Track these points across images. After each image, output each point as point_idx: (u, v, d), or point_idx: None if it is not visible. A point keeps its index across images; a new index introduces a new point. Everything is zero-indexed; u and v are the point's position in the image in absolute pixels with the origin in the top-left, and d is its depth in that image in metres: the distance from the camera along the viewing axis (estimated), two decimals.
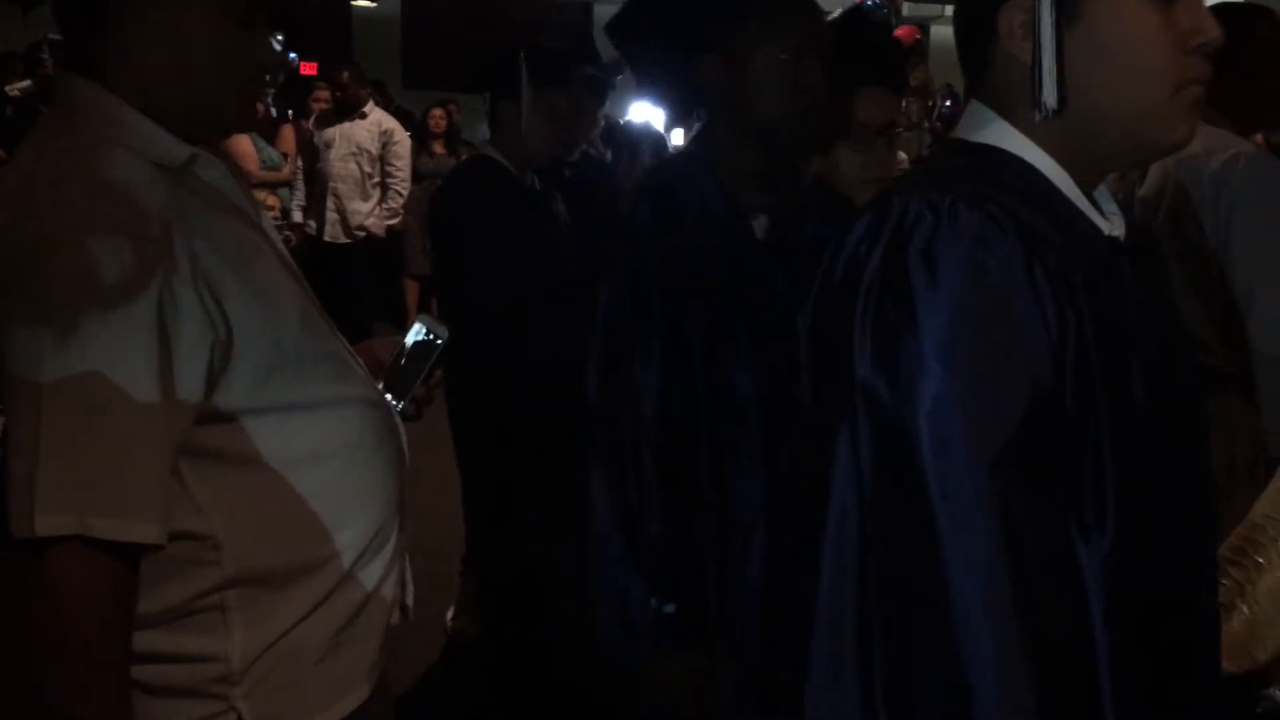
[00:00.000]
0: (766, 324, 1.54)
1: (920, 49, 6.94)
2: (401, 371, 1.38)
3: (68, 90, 1.15)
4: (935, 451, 0.82)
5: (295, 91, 7.62)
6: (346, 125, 6.30)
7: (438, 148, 7.07)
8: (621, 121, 3.63)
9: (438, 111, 7.16)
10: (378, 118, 6.43)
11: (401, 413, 1.34)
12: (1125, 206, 1.07)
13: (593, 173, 3.52)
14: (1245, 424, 2.21)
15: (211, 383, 1.08)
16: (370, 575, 1.22)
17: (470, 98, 3.99)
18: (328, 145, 6.31)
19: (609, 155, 4.44)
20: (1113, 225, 0.98)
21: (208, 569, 1.11)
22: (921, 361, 0.83)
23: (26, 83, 6.08)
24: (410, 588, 1.34)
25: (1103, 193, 1.01)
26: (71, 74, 1.14)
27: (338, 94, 6.82)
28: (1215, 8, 2.47)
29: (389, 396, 1.34)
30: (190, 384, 1.06)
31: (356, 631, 1.22)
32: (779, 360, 1.50)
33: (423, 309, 6.23)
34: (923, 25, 13.29)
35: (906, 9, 7.58)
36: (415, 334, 1.39)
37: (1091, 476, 0.87)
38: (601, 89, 3.48)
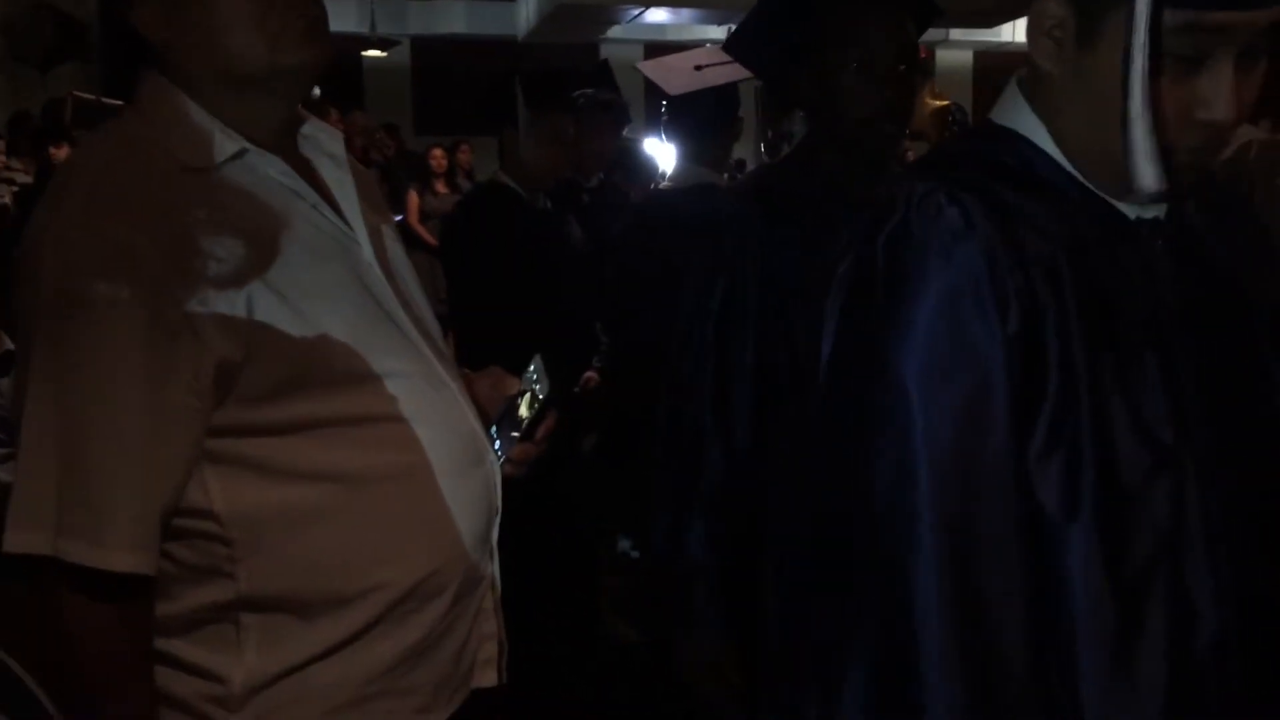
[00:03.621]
0: None
1: (925, 68, 7.01)
2: (507, 418, 1.25)
3: (139, 83, 1.13)
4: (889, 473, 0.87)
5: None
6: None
7: (440, 186, 7.22)
8: (631, 143, 3.66)
9: (437, 151, 7.37)
10: None
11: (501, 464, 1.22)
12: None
13: (612, 197, 3.52)
14: None
15: (225, 394, 1.03)
16: (420, 623, 1.12)
17: (482, 140, 4.03)
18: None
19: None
20: (1144, 208, 0.96)
21: (223, 581, 1.05)
22: (885, 365, 0.88)
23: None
24: (502, 649, 1.23)
25: None
26: (144, 66, 1.12)
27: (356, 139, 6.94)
28: None
29: (496, 443, 1.22)
30: (190, 399, 1.00)
31: (389, 686, 1.11)
32: None
33: None
34: (928, 49, 13.46)
35: None
36: (527, 379, 1.26)
37: (1064, 468, 0.88)
38: (616, 116, 3.50)
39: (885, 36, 1.68)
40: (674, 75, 2.73)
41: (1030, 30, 0.94)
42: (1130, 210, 0.95)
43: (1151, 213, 0.96)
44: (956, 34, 15.01)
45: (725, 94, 2.67)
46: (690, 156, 2.74)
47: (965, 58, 16.19)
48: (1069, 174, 0.95)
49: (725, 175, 3.05)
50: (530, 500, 2.68)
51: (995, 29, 14.62)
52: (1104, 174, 0.95)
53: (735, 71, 2.58)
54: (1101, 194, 0.95)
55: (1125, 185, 0.90)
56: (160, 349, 0.98)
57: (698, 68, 2.66)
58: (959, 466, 0.85)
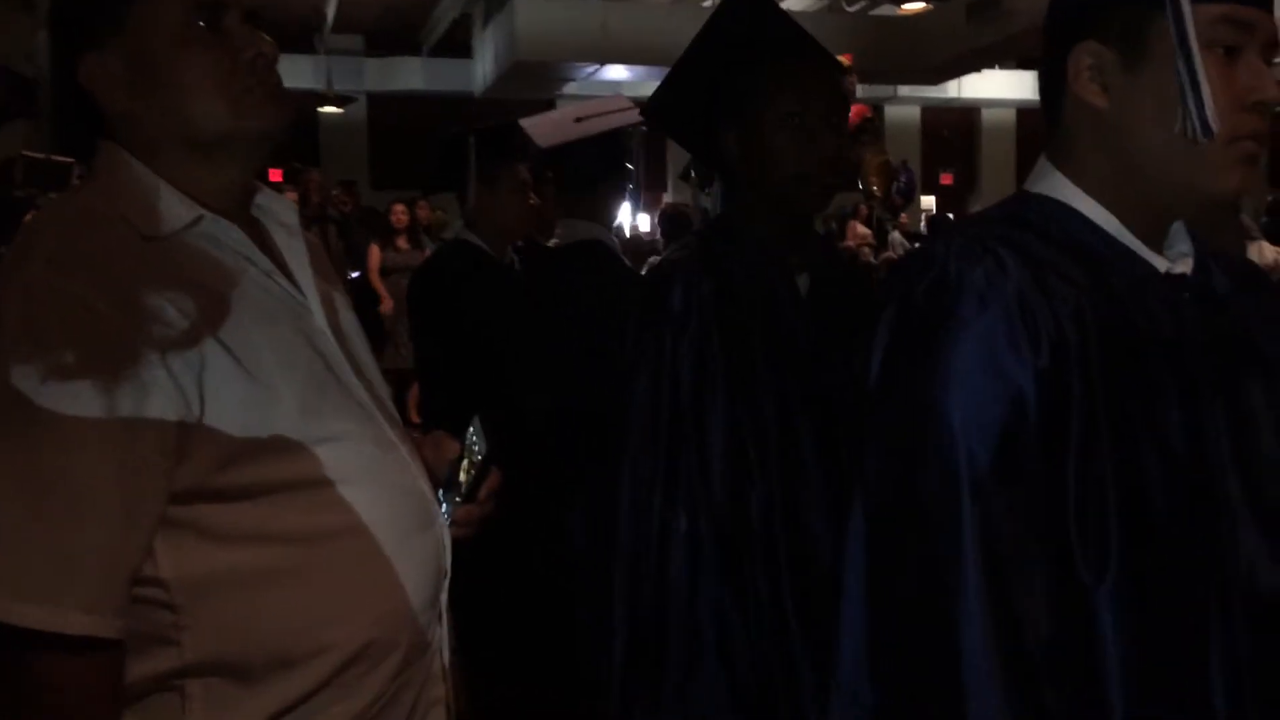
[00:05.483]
0: (819, 381, 1.61)
1: (872, 127, 7.18)
2: (450, 481, 1.26)
3: (94, 153, 1.15)
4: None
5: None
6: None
7: (401, 242, 7.20)
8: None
9: (398, 207, 7.33)
10: None
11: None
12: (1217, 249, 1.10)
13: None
14: None
15: (181, 458, 1.02)
16: (369, 686, 1.10)
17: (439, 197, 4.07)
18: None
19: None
20: (1175, 264, 1.03)
21: (168, 649, 1.04)
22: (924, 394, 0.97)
23: None
24: (450, 714, 1.21)
25: (1177, 232, 1.07)
26: (100, 136, 1.14)
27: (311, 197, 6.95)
28: None
29: (444, 506, 1.24)
30: (156, 457, 1.01)
31: None
32: (836, 415, 1.59)
33: (398, 403, 6.20)
34: (876, 106, 13.75)
35: (861, 90, 7.83)
36: (468, 439, 1.27)
37: (1091, 514, 0.94)
38: None
39: (818, 83, 1.65)
40: (547, 128, 2.65)
41: (1072, 80, 1.01)
42: (1160, 264, 1.02)
43: (1180, 269, 1.03)
44: (904, 91, 15.40)
45: (606, 147, 2.58)
46: (573, 211, 2.61)
47: (913, 113, 16.59)
48: (1099, 229, 1.02)
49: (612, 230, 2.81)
50: (518, 580, 2.67)
51: (941, 85, 15.02)
52: (1148, 214, 1.02)
53: (611, 121, 2.53)
54: (1136, 249, 1.02)
55: (1198, 191, 0.98)
56: (124, 405, 0.98)
57: (578, 120, 2.59)
58: (996, 482, 0.94)
